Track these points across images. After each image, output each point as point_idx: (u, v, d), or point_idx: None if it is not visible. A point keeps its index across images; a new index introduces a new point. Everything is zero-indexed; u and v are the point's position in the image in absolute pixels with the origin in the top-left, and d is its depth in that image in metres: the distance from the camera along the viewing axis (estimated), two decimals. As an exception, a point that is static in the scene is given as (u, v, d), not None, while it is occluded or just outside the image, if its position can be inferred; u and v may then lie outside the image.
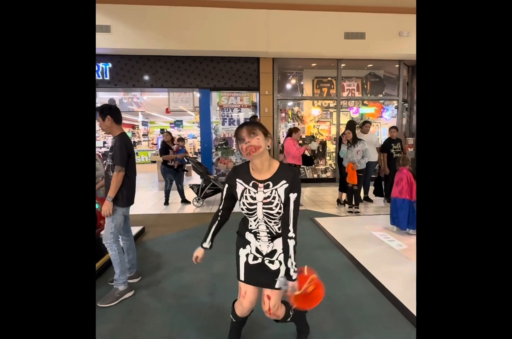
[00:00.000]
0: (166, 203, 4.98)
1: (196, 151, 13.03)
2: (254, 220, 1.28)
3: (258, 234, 1.31)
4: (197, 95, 6.73)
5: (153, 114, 12.17)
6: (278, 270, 1.31)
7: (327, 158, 7.43)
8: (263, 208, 1.21)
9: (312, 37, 6.04)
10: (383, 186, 5.05)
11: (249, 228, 1.32)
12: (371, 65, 7.08)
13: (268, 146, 1.19)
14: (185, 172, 5.34)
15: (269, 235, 1.29)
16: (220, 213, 1.39)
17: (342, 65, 6.85)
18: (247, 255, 1.35)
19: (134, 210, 4.67)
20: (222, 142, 6.98)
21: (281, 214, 1.22)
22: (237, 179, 1.26)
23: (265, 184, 1.22)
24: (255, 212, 1.24)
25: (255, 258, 1.33)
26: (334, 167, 7.15)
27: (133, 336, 1.69)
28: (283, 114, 7.32)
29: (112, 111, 2.05)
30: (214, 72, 6.49)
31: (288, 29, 5.98)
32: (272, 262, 1.32)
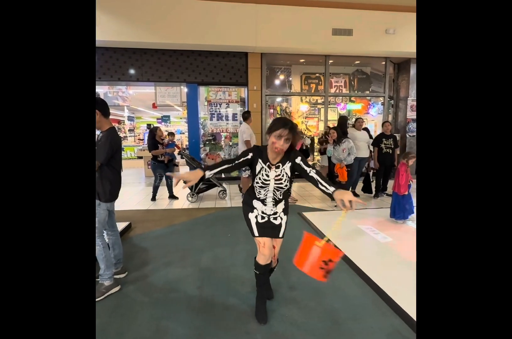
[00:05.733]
0: (153, 199, 4.91)
1: (184, 146, 12.89)
2: (265, 190, 1.62)
3: (265, 201, 1.66)
4: (185, 89, 6.64)
5: (140, 109, 11.94)
6: (280, 224, 1.71)
7: (315, 154, 7.50)
8: (275, 183, 1.58)
9: (300, 32, 6.04)
10: (371, 182, 5.14)
11: (257, 196, 1.67)
12: (358, 61, 7.15)
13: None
14: (175, 166, 5.27)
15: (273, 201, 1.66)
16: (232, 165, 1.58)
17: (330, 61, 6.89)
18: (256, 217, 1.69)
19: (121, 206, 4.60)
20: (210, 137, 6.93)
21: (287, 187, 1.62)
22: (259, 159, 1.58)
23: (276, 165, 1.58)
24: (268, 185, 1.59)
25: (262, 217, 1.69)
26: (320, 162, 7.24)
27: (120, 330, 1.67)
28: (272, 110, 7.33)
29: (99, 105, 1.93)
30: (201, 66, 6.42)
31: (277, 24, 5.96)
32: (275, 218, 1.70)
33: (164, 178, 4.90)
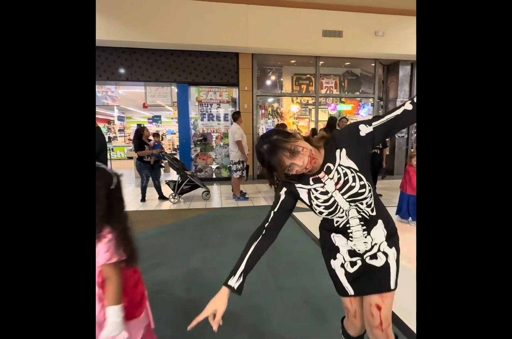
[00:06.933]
0: (143, 199, 4.87)
1: (175, 147, 12.81)
2: (341, 213, 0.99)
3: (348, 230, 1.01)
4: (175, 89, 6.60)
5: (130, 108, 11.81)
6: (386, 265, 1.03)
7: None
8: (342, 194, 0.95)
9: (290, 33, 6.07)
10: None
11: (336, 226, 1.03)
12: (348, 63, 7.23)
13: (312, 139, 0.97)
14: (161, 168, 5.23)
15: (362, 224, 1.00)
16: (263, 234, 0.99)
17: (321, 62, 6.95)
18: (342, 265, 1.08)
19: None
20: (201, 138, 6.90)
21: (368, 186, 0.95)
22: (296, 185, 1.00)
23: (325, 170, 0.96)
24: (337, 205, 0.97)
25: (353, 264, 1.05)
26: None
27: (106, 333, 1.65)
28: (263, 110, 7.34)
29: None
30: (192, 66, 6.39)
31: (267, 25, 5.98)
32: (374, 256, 1.03)
33: (151, 178, 4.87)
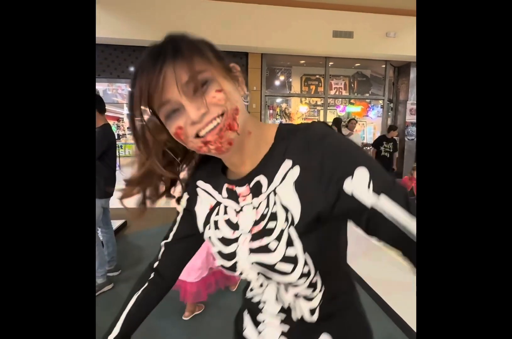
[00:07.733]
0: (150, 197, 4.92)
1: (183, 146, 12.88)
2: (251, 281, 0.54)
3: (258, 315, 0.56)
4: (184, 88, 6.64)
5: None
6: None
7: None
8: (251, 251, 0.47)
9: (300, 34, 6.05)
10: None
11: (246, 294, 0.59)
12: (358, 64, 7.17)
13: (247, 101, 0.48)
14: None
15: (283, 320, 0.52)
16: (151, 279, 0.62)
17: (330, 63, 6.90)
18: None
19: (117, 203, 4.58)
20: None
21: (303, 266, 0.44)
22: (199, 183, 0.56)
23: (252, 185, 0.47)
24: (236, 263, 0.49)
25: None
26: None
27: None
28: (271, 111, 7.33)
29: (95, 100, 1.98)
30: (202, 65, 6.41)
31: (277, 25, 5.97)
32: None
33: None
